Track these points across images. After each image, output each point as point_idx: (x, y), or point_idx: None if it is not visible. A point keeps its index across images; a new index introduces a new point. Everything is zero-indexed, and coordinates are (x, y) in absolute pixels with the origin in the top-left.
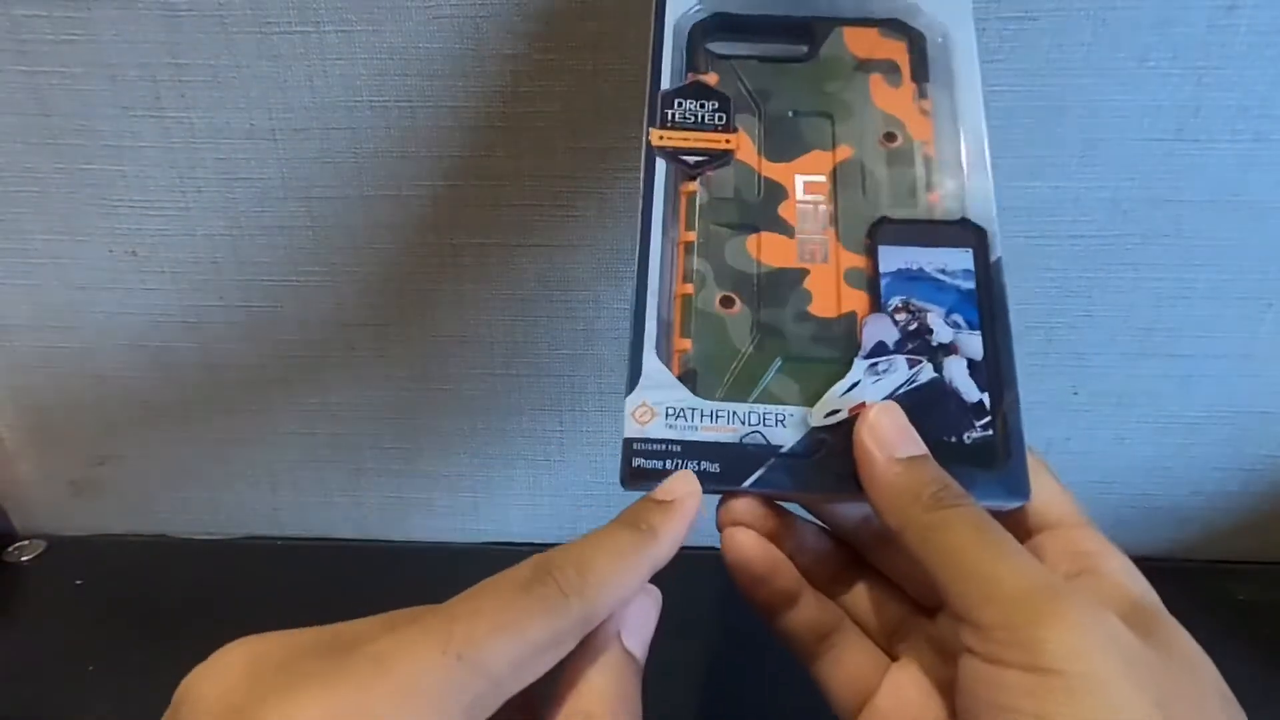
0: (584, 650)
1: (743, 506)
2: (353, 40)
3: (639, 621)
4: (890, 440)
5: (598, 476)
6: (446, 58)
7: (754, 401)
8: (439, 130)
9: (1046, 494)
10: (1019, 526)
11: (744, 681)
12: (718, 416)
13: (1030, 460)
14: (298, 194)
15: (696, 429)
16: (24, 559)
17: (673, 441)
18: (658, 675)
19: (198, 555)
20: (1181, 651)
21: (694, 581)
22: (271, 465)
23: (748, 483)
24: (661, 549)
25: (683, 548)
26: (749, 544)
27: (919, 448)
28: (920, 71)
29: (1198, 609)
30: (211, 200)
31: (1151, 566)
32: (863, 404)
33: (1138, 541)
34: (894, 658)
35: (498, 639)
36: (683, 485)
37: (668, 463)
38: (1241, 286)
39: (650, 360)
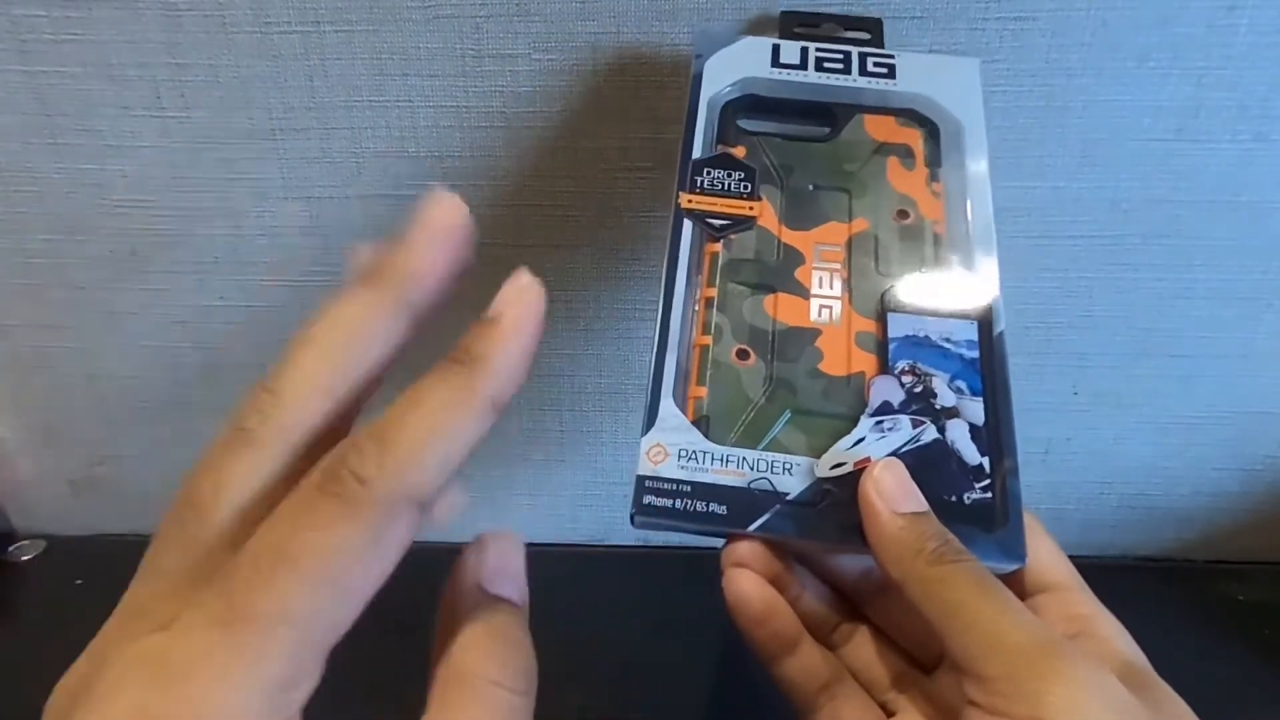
0: (446, 613)
1: (746, 549)
2: (353, 40)
3: (500, 564)
4: (894, 495)
5: (597, 476)
6: (446, 58)
7: (763, 449)
8: (439, 130)
9: (1044, 555)
10: (1016, 587)
11: (741, 682)
12: (728, 461)
13: (1028, 521)
14: (298, 194)
15: (707, 471)
16: (24, 559)
17: (684, 482)
18: (656, 674)
19: None
20: (1173, 711)
21: (692, 581)
22: None
23: (753, 526)
24: (495, 381)
25: (679, 548)
26: (749, 585)
27: (921, 504)
28: (933, 157)
29: (1198, 609)
30: (212, 200)
31: (1151, 566)
32: (867, 459)
33: (1138, 541)
34: (889, 713)
35: (286, 593)
36: (444, 216)
37: (677, 501)
38: (1241, 286)
39: (667, 404)
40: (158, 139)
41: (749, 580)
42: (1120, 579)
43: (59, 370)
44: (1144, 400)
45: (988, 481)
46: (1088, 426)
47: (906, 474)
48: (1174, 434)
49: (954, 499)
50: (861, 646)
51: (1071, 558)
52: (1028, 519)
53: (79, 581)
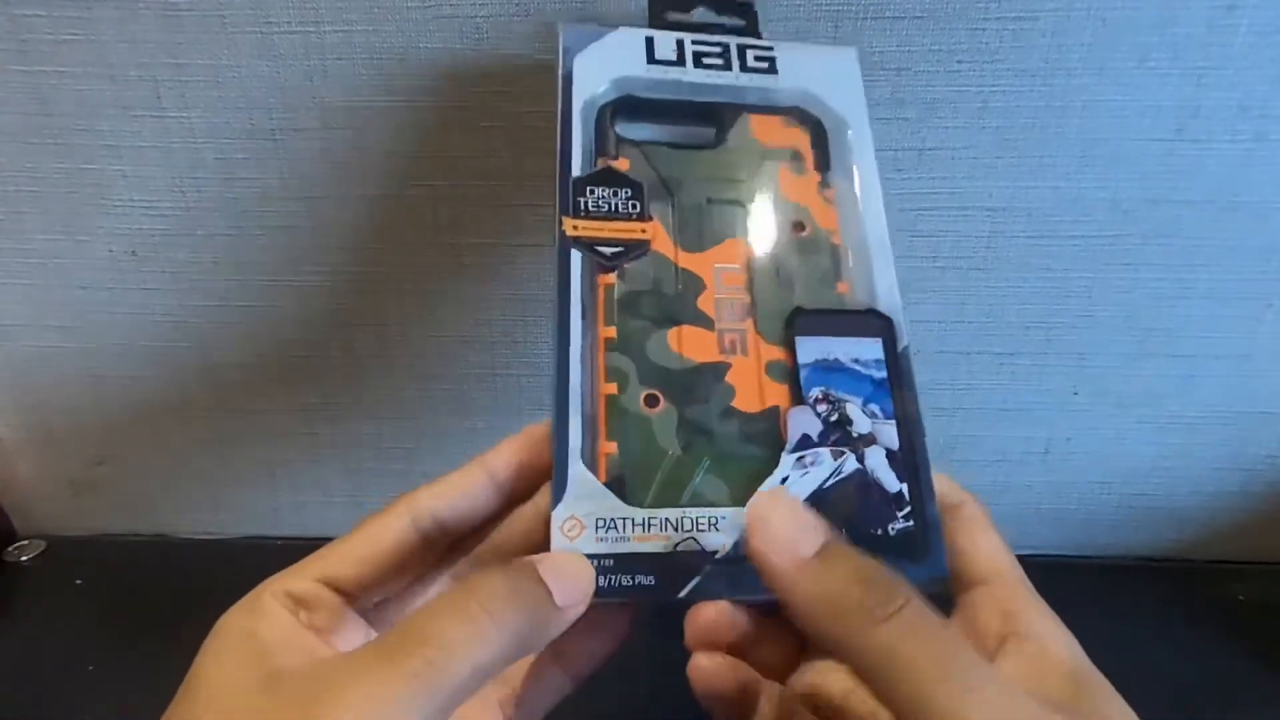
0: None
1: (712, 619)
2: (353, 40)
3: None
4: (787, 538)
5: None
6: (446, 58)
7: (685, 505)
8: (439, 130)
9: (986, 549)
10: (961, 583)
11: None
12: (650, 525)
13: (974, 513)
14: (298, 194)
15: (628, 539)
16: (24, 559)
17: (604, 555)
18: (647, 671)
19: (198, 555)
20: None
21: None
22: (271, 465)
23: (683, 593)
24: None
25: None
26: (713, 672)
27: (821, 534)
28: (822, 160)
29: (1198, 609)
30: (211, 200)
31: (1151, 566)
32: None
33: (1138, 541)
34: None
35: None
36: (577, 588)
37: (601, 578)
38: (1241, 286)
39: (576, 468)
40: (158, 139)
41: (714, 669)
42: (1120, 579)
43: (59, 370)
44: (1144, 400)
45: (909, 509)
46: (1088, 426)
47: (795, 504)
48: (1174, 434)
49: (880, 532)
50: (820, 681)
51: (1071, 558)
52: (975, 511)
53: (79, 581)
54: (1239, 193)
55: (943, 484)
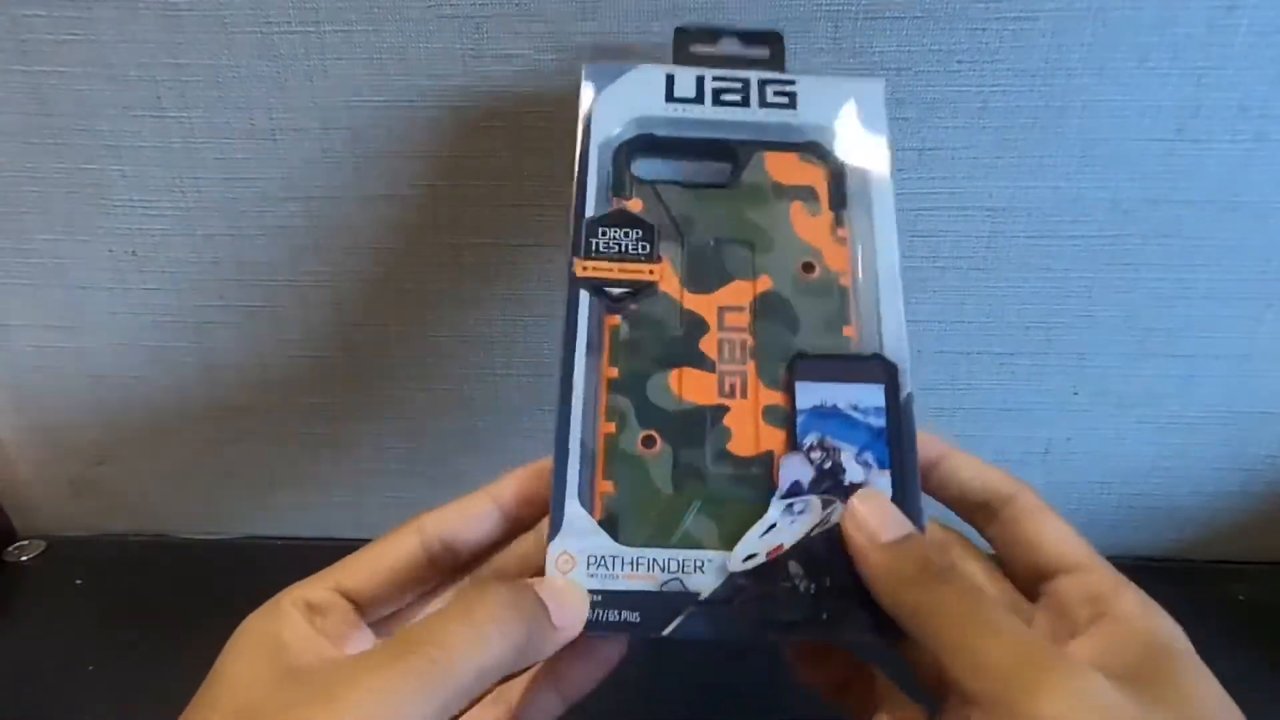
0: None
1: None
2: (353, 40)
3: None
4: (873, 526)
5: None
6: (446, 58)
7: (674, 546)
8: (439, 130)
9: (1057, 536)
10: (1037, 573)
11: (742, 678)
12: (638, 564)
13: (1034, 504)
14: (298, 194)
15: (617, 577)
16: (24, 559)
17: (593, 591)
18: (656, 671)
19: (198, 555)
20: (1189, 696)
21: None
22: (271, 465)
23: (666, 631)
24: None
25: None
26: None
27: (904, 528)
28: (838, 199)
29: (1198, 609)
30: (211, 200)
31: (1151, 566)
32: (780, 546)
33: (1138, 541)
34: None
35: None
36: (572, 613)
37: (590, 612)
38: (1241, 286)
39: (572, 505)
40: (158, 139)
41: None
42: None
43: (59, 370)
44: (1144, 400)
45: None
46: (1088, 426)
47: (886, 500)
48: (1174, 434)
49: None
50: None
51: None
52: (1032, 500)
53: (79, 581)
54: (1239, 193)
55: (993, 475)
